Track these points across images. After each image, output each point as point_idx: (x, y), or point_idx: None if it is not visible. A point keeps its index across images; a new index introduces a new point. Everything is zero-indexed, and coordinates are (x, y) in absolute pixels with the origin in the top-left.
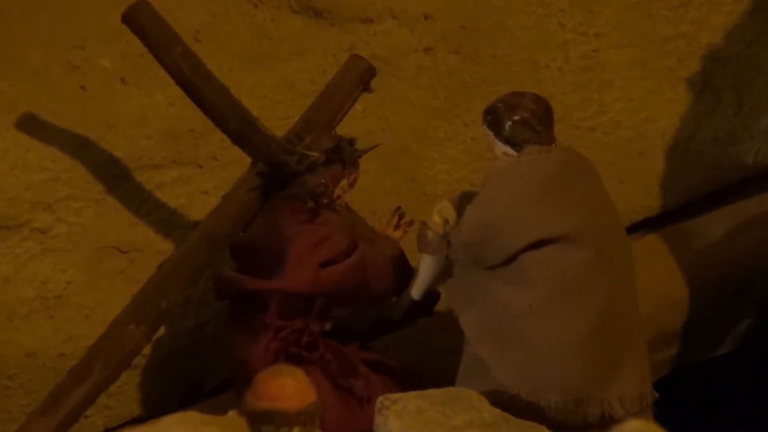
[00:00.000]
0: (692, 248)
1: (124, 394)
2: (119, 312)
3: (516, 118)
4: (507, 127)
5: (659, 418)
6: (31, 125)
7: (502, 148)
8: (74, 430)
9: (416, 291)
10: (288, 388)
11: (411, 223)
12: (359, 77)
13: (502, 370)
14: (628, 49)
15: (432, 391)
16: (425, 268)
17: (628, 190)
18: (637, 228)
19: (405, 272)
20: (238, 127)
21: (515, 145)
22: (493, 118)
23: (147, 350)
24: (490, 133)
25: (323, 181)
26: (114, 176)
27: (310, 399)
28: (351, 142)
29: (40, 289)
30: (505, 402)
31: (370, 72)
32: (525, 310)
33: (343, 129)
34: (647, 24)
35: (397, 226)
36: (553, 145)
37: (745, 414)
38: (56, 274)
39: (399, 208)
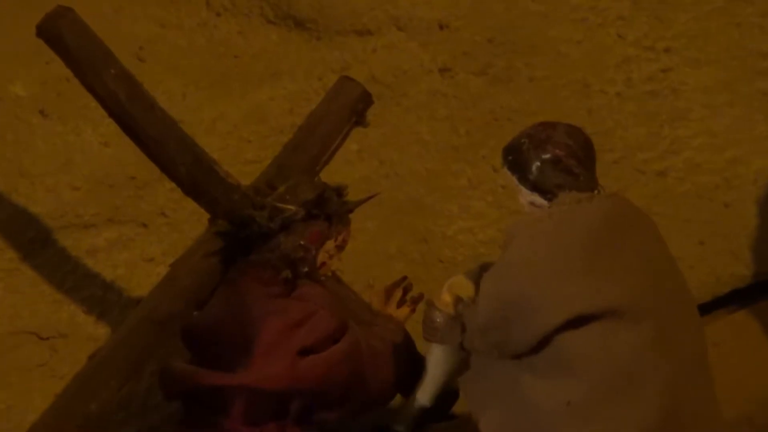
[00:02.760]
0: None
1: None
2: (37, 417)
3: (546, 157)
4: (534, 168)
5: None
6: None
7: (528, 196)
8: None
9: (425, 395)
10: None
11: (420, 298)
12: (351, 106)
13: None
14: (709, 68)
15: None
16: (435, 363)
17: (711, 254)
18: (722, 303)
19: (411, 362)
20: (191, 173)
21: (545, 192)
22: (516, 158)
23: None
24: (513, 178)
25: (302, 243)
26: (30, 239)
27: None
28: (339, 191)
29: None
30: None
31: (365, 99)
32: (561, 410)
33: (333, 176)
34: (733, 36)
35: (401, 302)
36: (596, 192)
37: None
38: None
39: (404, 278)
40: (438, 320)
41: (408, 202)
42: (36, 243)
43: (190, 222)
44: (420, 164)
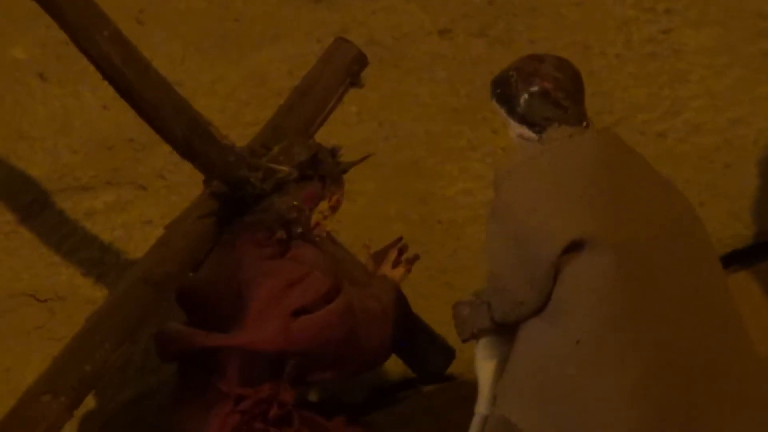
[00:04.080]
0: None
1: None
2: (35, 379)
3: (533, 89)
4: (522, 101)
5: None
6: None
7: (516, 129)
8: None
9: (482, 403)
10: None
11: (415, 258)
12: (345, 68)
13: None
14: (710, 29)
15: None
16: (481, 366)
17: (711, 214)
18: (723, 264)
19: (405, 322)
20: (186, 134)
21: (534, 125)
22: (504, 91)
23: (73, 429)
24: (502, 111)
25: (296, 203)
26: (29, 202)
27: None
28: (333, 152)
29: None
30: None
31: (360, 60)
32: (572, 351)
33: (332, 138)
34: None
35: (397, 263)
36: (584, 125)
37: None
38: None
39: (400, 239)
40: (465, 312)
41: (408, 164)
42: (34, 205)
43: (189, 185)
44: (420, 126)
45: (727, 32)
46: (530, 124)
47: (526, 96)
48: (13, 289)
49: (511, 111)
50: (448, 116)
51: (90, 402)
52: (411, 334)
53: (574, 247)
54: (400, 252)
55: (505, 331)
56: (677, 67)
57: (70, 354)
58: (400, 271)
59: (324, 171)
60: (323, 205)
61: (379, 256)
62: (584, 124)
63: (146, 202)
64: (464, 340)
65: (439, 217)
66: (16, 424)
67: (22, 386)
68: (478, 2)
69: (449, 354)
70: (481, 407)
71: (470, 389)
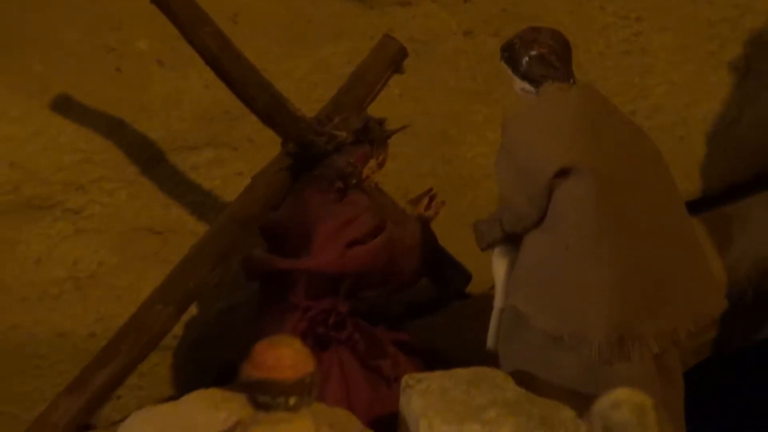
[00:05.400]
0: (733, 232)
1: (156, 375)
2: (150, 293)
3: (533, 53)
4: (524, 62)
5: (696, 403)
6: (65, 106)
7: (519, 84)
8: (106, 409)
9: (498, 298)
10: (284, 358)
11: (442, 203)
12: (391, 58)
13: (542, 317)
14: (670, 33)
15: (458, 371)
16: (497, 270)
17: None
18: None
19: (434, 252)
20: (267, 107)
21: (533, 81)
22: (510, 54)
23: (179, 332)
24: (508, 69)
25: (351, 161)
26: (148, 158)
27: (306, 369)
28: (380, 122)
29: (72, 270)
30: (547, 351)
31: (402, 53)
32: (562, 254)
33: (380, 112)
34: (690, 8)
35: (428, 207)
36: (572, 81)
37: None
38: (88, 255)
39: (431, 189)
40: (482, 227)
41: (437, 133)
42: (152, 160)
43: (271, 146)
44: (447, 105)
45: (683, 36)
46: (530, 80)
47: (527, 58)
48: (136, 224)
49: (515, 70)
50: (469, 97)
51: (192, 311)
52: (438, 262)
53: (563, 173)
54: (431, 199)
55: (513, 240)
56: (645, 61)
57: (178, 274)
58: (430, 212)
59: (373, 136)
60: (372, 163)
61: (414, 202)
62: (571, 81)
63: (238, 159)
64: (483, 249)
65: (460, 174)
66: (136, 327)
67: (140, 298)
68: (494, 11)
69: (467, 277)
70: (498, 301)
71: (484, 304)
